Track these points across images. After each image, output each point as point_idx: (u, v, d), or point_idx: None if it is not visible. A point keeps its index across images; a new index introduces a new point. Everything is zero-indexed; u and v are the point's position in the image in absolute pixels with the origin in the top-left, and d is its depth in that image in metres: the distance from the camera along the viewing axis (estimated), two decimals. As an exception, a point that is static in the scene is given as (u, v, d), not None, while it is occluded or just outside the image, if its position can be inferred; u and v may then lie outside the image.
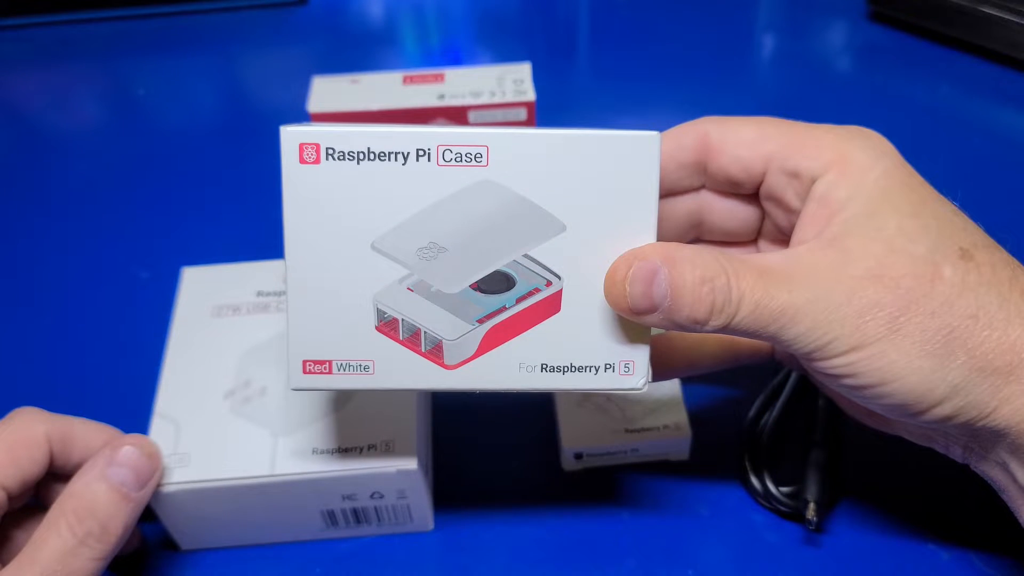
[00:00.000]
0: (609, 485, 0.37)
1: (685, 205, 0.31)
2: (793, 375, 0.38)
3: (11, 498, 0.29)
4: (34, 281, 0.47)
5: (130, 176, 0.54)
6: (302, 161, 0.25)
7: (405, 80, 0.47)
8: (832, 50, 0.63)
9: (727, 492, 0.36)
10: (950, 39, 0.60)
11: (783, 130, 0.28)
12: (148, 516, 0.32)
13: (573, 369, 0.26)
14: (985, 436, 0.26)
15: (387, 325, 0.26)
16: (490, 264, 0.26)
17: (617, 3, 0.68)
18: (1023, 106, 0.56)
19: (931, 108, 0.56)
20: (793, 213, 0.28)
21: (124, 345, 0.43)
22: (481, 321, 0.26)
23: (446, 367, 0.26)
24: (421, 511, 0.34)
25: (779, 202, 0.29)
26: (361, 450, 0.32)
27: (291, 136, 0.25)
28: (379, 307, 0.26)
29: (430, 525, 0.35)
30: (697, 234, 0.32)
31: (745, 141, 0.29)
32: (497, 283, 0.26)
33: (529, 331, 0.26)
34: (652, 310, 0.25)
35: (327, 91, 0.46)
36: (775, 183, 0.29)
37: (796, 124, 0.29)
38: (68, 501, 0.28)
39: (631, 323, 0.26)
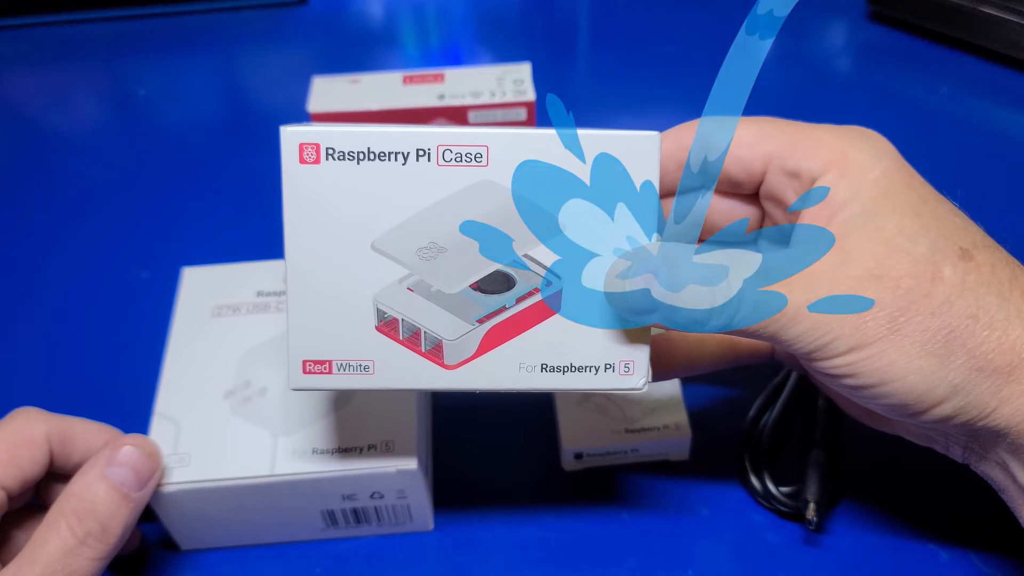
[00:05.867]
0: (609, 485, 0.37)
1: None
2: (793, 375, 0.38)
3: (11, 498, 0.29)
4: (34, 281, 0.47)
5: (130, 176, 0.54)
6: (302, 161, 0.25)
7: (405, 80, 0.47)
8: (832, 50, 0.63)
9: (727, 492, 0.36)
10: (950, 39, 0.60)
11: (783, 130, 0.28)
12: (148, 516, 0.32)
13: (573, 369, 0.26)
14: (985, 436, 0.26)
15: (387, 325, 0.26)
16: (490, 264, 0.26)
17: (617, 3, 0.68)
18: (1023, 106, 0.56)
19: (931, 108, 0.56)
20: (793, 213, 0.28)
21: (124, 345, 0.43)
22: (481, 321, 0.26)
23: (446, 367, 0.26)
24: (421, 511, 0.34)
25: (779, 202, 0.29)
26: (361, 450, 0.32)
27: (291, 136, 0.25)
28: (379, 307, 0.26)
29: (430, 525, 0.35)
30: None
31: (745, 141, 0.29)
32: (497, 283, 0.26)
33: (529, 331, 0.26)
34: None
35: (327, 91, 0.46)
36: (775, 183, 0.29)
37: (796, 124, 0.29)
38: (68, 501, 0.28)
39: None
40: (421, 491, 0.33)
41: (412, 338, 0.26)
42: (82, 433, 0.31)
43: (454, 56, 0.64)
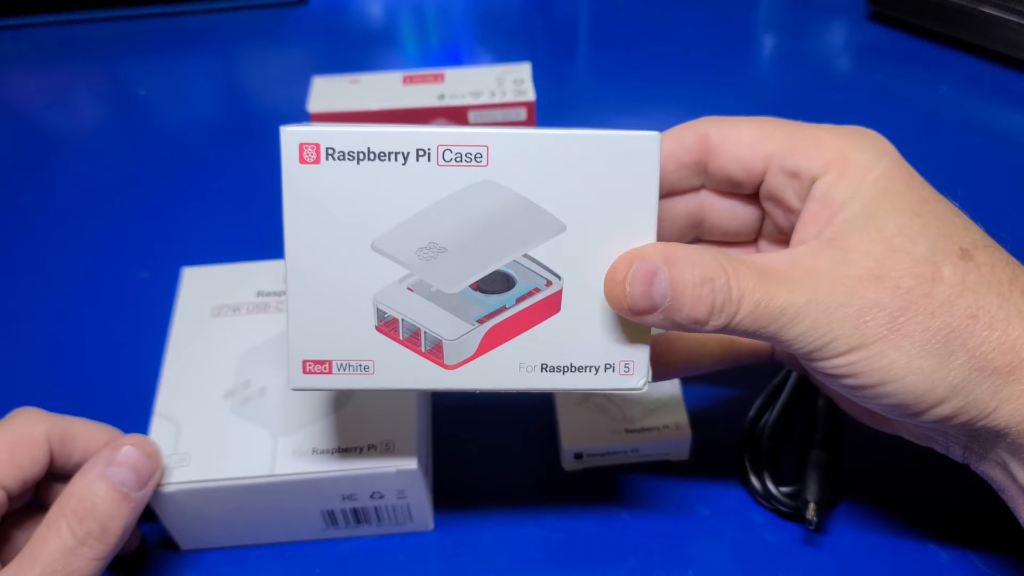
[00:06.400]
0: (609, 485, 0.37)
1: (685, 205, 0.31)
2: (793, 375, 0.38)
3: (11, 498, 0.29)
4: (34, 281, 0.47)
5: (130, 176, 0.54)
6: (302, 161, 0.25)
7: (405, 80, 0.47)
8: (832, 50, 0.63)
9: (727, 492, 0.36)
10: (950, 39, 0.60)
11: (783, 130, 0.28)
12: (148, 516, 0.32)
13: (573, 369, 0.26)
14: (985, 436, 0.26)
15: (387, 325, 0.26)
16: (490, 264, 0.26)
17: (617, 3, 0.68)
18: (1023, 106, 0.56)
19: (931, 108, 0.56)
20: (793, 213, 0.28)
21: (124, 345, 0.43)
22: (481, 321, 0.26)
23: (446, 367, 0.26)
24: (421, 511, 0.34)
25: (779, 202, 0.29)
26: (361, 450, 0.32)
27: (291, 136, 0.25)
28: (379, 307, 0.26)
29: (430, 525, 0.35)
30: (697, 234, 0.32)
31: (745, 141, 0.29)
32: (497, 283, 0.26)
33: (529, 331, 0.26)
34: (652, 310, 0.25)
35: (327, 91, 0.46)
36: (775, 183, 0.29)
37: (796, 124, 0.29)
38: (68, 501, 0.28)
39: (631, 323, 0.26)
40: (421, 491, 0.33)
41: (412, 338, 0.26)
42: (82, 433, 0.31)
43: (454, 56, 0.64)
